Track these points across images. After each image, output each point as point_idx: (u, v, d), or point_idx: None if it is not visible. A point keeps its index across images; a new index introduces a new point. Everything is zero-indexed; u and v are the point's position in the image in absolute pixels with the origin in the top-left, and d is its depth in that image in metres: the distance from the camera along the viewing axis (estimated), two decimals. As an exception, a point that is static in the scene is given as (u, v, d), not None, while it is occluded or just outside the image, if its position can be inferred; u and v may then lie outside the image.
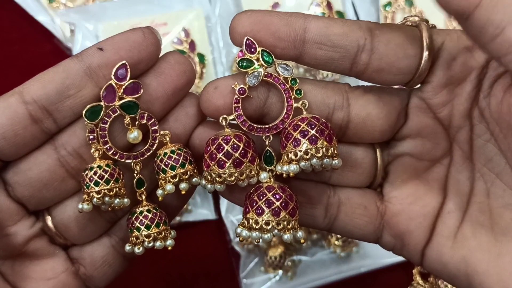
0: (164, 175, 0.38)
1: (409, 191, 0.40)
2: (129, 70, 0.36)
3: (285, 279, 0.70)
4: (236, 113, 0.38)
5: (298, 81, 0.39)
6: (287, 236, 0.36)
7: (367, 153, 0.40)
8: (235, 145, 0.37)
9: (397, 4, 0.80)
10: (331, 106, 0.39)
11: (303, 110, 0.38)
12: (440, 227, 0.39)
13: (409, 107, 0.39)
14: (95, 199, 0.37)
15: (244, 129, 0.38)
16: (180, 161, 0.38)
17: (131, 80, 0.37)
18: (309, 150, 0.36)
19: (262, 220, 0.36)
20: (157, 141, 0.38)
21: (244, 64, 0.38)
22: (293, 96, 0.38)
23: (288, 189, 0.37)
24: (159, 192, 0.38)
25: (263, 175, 0.37)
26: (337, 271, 0.69)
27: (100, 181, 0.37)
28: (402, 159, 0.40)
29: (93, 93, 0.37)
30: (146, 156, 0.39)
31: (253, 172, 0.37)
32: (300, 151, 0.36)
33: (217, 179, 0.37)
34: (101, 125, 0.37)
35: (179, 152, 0.38)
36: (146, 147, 0.39)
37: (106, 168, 0.37)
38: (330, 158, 0.36)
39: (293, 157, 0.36)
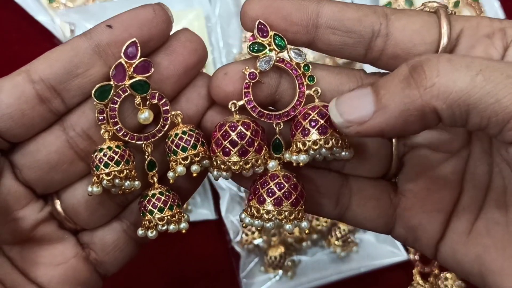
0: (175, 156, 0.37)
1: (424, 184, 0.39)
2: (139, 48, 0.35)
3: (285, 279, 0.70)
4: (246, 99, 0.37)
5: (311, 67, 0.38)
6: (288, 227, 0.36)
7: (382, 143, 0.39)
8: (242, 133, 0.36)
9: (397, 4, 0.80)
10: (345, 92, 0.37)
11: (315, 97, 0.37)
12: (454, 223, 0.38)
13: None
14: (105, 182, 0.36)
15: (254, 115, 0.37)
16: (192, 142, 0.37)
17: (142, 59, 0.35)
18: (318, 141, 0.35)
19: (263, 209, 0.36)
20: (168, 122, 0.38)
21: (255, 48, 0.37)
22: (305, 83, 0.37)
23: (294, 178, 0.37)
24: (170, 174, 0.37)
25: (271, 164, 0.37)
26: (337, 271, 0.69)
27: (110, 162, 0.36)
28: (419, 150, 0.39)
29: (102, 72, 0.36)
30: (157, 137, 0.38)
31: (259, 162, 0.36)
32: (308, 141, 0.35)
33: (222, 166, 0.36)
34: (111, 105, 0.36)
35: (191, 133, 0.37)
36: (157, 128, 0.38)
37: (116, 150, 0.36)
38: (340, 149, 0.36)
39: (301, 147, 0.36)
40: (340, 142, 0.35)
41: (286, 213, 0.36)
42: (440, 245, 0.38)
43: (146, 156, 0.38)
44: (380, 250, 0.70)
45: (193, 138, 0.37)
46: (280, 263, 0.69)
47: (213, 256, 0.71)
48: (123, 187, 0.37)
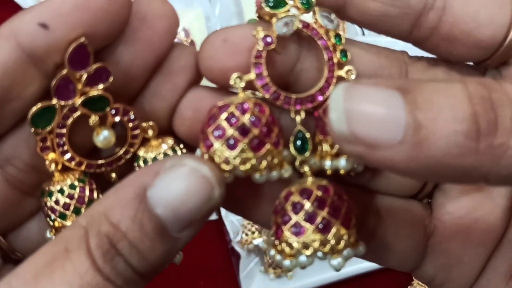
0: None
1: (469, 205, 0.30)
2: (90, 51, 0.25)
3: (285, 279, 0.69)
4: (256, 72, 0.26)
5: (343, 39, 0.28)
6: (337, 262, 0.26)
7: None
8: (256, 117, 0.25)
9: None
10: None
11: (350, 81, 0.27)
12: (497, 259, 0.30)
13: None
14: None
15: (267, 96, 0.27)
16: None
17: (95, 66, 0.26)
18: None
19: (299, 242, 0.26)
20: (138, 140, 0.29)
21: (272, 2, 0.27)
22: (336, 59, 0.28)
23: (333, 186, 0.27)
24: None
25: (286, 171, 0.27)
26: (336, 272, 0.69)
27: (67, 212, 0.28)
28: None
29: (43, 87, 0.27)
30: (123, 160, 0.29)
31: (276, 161, 0.26)
32: None
33: (224, 166, 0.25)
34: (57, 131, 0.27)
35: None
36: (124, 150, 0.29)
37: (71, 191, 0.28)
38: None
39: (329, 149, 0.27)
40: None
41: (332, 241, 0.26)
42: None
43: (111, 180, 0.30)
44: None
45: None
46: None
47: (213, 256, 0.71)
48: None
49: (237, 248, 0.70)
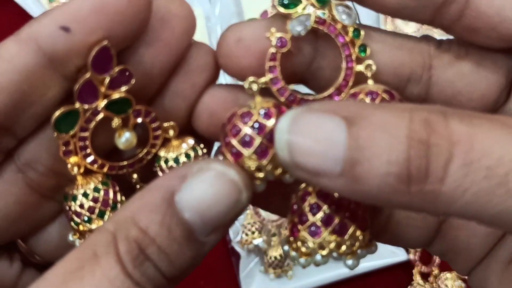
0: None
1: None
2: (113, 54, 0.25)
3: (285, 279, 0.69)
4: (271, 75, 0.27)
5: (362, 33, 0.27)
6: (351, 262, 0.27)
7: None
8: (260, 125, 0.25)
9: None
10: (404, 76, 0.28)
11: (368, 76, 0.27)
12: (500, 248, 0.30)
13: None
14: None
15: (282, 99, 0.27)
16: None
17: (118, 68, 0.26)
18: None
19: (316, 243, 0.26)
20: (159, 141, 0.29)
21: (287, 1, 0.26)
22: (355, 55, 0.27)
23: None
24: None
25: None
26: (337, 271, 0.69)
27: (92, 216, 0.27)
28: None
29: (64, 90, 0.27)
30: (145, 161, 0.29)
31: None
32: None
33: (258, 174, 0.25)
34: (80, 134, 0.27)
35: (187, 159, 0.29)
36: (146, 151, 0.29)
37: (95, 195, 0.28)
38: None
39: None
40: None
41: (348, 242, 0.26)
42: (473, 271, 0.32)
43: (133, 182, 0.30)
44: (380, 250, 0.70)
45: None
46: (280, 263, 0.69)
47: (213, 256, 0.71)
48: None
49: (237, 248, 0.70)
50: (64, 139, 0.27)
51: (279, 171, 0.25)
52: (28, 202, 0.29)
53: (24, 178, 0.28)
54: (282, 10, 0.26)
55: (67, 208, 0.28)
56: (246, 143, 0.25)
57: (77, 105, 0.26)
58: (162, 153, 0.29)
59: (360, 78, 0.27)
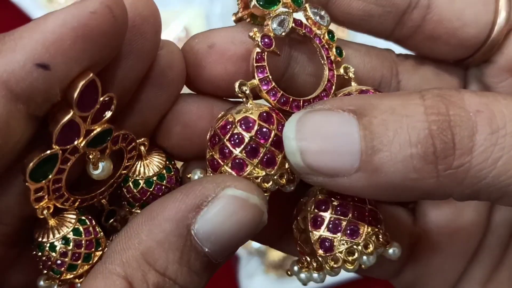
0: (131, 208, 0.27)
1: (451, 212, 0.29)
2: (99, 86, 0.22)
3: (285, 280, 0.69)
4: (260, 77, 0.24)
5: (335, 36, 0.27)
6: (367, 259, 0.25)
7: None
8: (282, 126, 0.24)
9: None
10: (376, 81, 0.28)
11: (352, 78, 0.26)
12: (474, 266, 0.29)
13: None
14: (79, 285, 0.25)
15: (273, 102, 0.25)
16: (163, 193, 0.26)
17: (103, 98, 0.23)
18: None
19: (332, 255, 0.25)
20: (132, 161, 0.26)
21: (261, 1, 0.25)
22: (332, 57, 0.26)
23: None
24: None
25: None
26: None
27: (76, 263, 0.24)
28: None
29: (35, 131, 0.23)
30: (116, 185, 0.26)
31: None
32: None
33: (264, 184, 0.24)
34: (56, 177, 0.24)
35: (160, 182, 0.26)
36: (117, 174, 0.26)
37: (77, 238, 0.24)
38: None
39: None
40: None
41: (363, 241, 0.25)
42: None
43: (99, 206, 0.27)
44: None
45: (163, 190, 0.26)
46: (280, 263, 0.68)
47: (213, 256, 0.71)
48: None
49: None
50: (37, 185, 0.23)
51: (284, 180, 0.24)
52: None
53: None
54: (260, 8, 0.25)
55: (43, 258, 0.24)
56: (251, 152, 0.23)
57: (55, 148, 0.23)
58: (130, 173, 0.26)
59: (340, 81, 0.26)
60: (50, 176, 0.23)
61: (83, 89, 0.21)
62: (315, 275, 0.25)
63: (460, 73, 0.29)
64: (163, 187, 0.26)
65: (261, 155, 0.23)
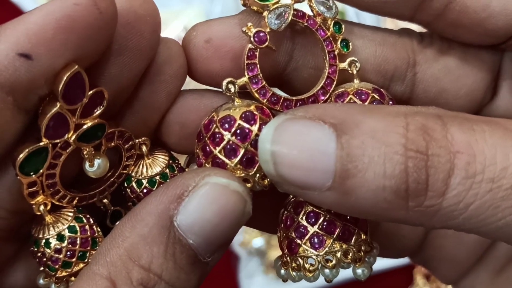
0: None
1: None
2: (85, 79, 0.22)
3: (285, 280, 0.69)
4: (249, 75, 0.24)
5: (343, 27, 0.25)
6: (362, 271, 0.25)
7: None
8: (243, 130, 0.23)
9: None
10: (388, 73, 0.26)
11: (354, 74, 0.25)
12: (489, 257, 0.29)
13: (501, 79, 0.27)
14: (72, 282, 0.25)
15: (263, 101, 0.24)
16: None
17: (91, 92, 0.22)
18: None
19: (318, 255, 0.24)
20: (132, 160, 0.26)
21: None
22: (337, 51, 0.25)
23: None
24: None
25: None
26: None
27: (71, 261, 0.24)
28: None
29: (25, 123, 0.23)
30: (116, 185, 0.26)
31: None
32: None
33: (247, 185, 0.23)
34: (48, 172, 0.23)
35: (163, 180, 0.25)
36: (117, 173, 0.26)
37: (72, 235, 0.24)
38: None
39: None
40: None
41: (355, 248, 0.24)
42: (461, 282, 0.30)
43: (102, 207, 0.27)
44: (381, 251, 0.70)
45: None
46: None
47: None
48: None
49: (238, 248, 0.70)
50: (29, 180, 0.23)
51: (267, 181, 0.23)
52: None
53: None
54: (257, 0, 0.24)
55: (39, 254, 0.24)
56: (230, 152, 0.22)
57: (45, 141, 0.22)
58: (133, 173, 0.26)
59: (344, 76, 0.25)
60: (41, 171, 0.23)
61: (68, 81, 0.21)
62: (294, 273, 0.24)
63: (494, 58, 0.27)
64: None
65: (240, 155, 0.22)
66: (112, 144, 0.24)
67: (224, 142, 0.22)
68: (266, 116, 0.23)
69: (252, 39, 0.23)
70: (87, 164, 0.24)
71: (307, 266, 0.24)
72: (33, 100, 0.22)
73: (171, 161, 0.26)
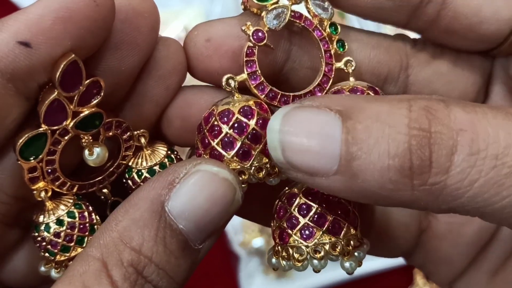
0: None
1: None
2: (82, 68, 0.23)
3: (285, 280, 0.69)
4: (248, 71, 0.25)
5: (339, 28, 0.26)
6: (349, 264, 0.25)
7: None
8: (262, 119, 0.24)
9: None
10: (382, 75, 0.27)
11: (349, 72, 0.26)
12: (484, 258, 0.30)
13: (492, 84, 0.28)
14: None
15: (262, 97, 0.25)
16: None
17: (88, 81, 0.23)
18: None
19: (308, 246, 0.25)
20: (131, 151, 0.26)
21: None
22: (333, 50, 0.26)
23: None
24: None
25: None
26: (338, 272, 0.69)
27: (70, 244, 0.25)
28: None
29: (25, 110, 0.24)
30: (116, 175, 0.27)
31: (268, 168, 0.25)
32: None
33: (242, 176, 0.24)
34: (47, 158, 0.24)
35: (162, 170, 0.26)
36: (116, 163, 0.26)
37: (71, 220, 0.25)
38: None
39: None
40: None
41: (343, 242, 0.25)
42: (456, 283, 0.30)
43: (102, 197, 0.27)
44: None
45: None
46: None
47: (213, 256, 0.71)
48: None
49: (238, 248, 0.70)
50: (30, 165, 0.24)
51: (262, 173, 0.24)
52: None
53: None
54: (256, 1, 0.25)
55: (39, 238, 0.25)
56: (227, 144, 0.24)
57: (44, 127, 0.23)
58: (133, 164, 0.27)
59: (339, 76, 0.26)
60: (41, 156, 0.24)
61: (65, 68, 0.22)
62: (284, 262, 0.25)
63: (485, 64, 0.28)
64: None
65: (237, 148, 0.24)
66: (110, 133, 0.25)
67: (222, 135, 0.24)
68: (264, 111, 0.24)
69: (250, 37, 0.24)
70: (86, 152, 0.25)
71: (296, 256, 0.25)
72: (32, 87, 0.23)
73: (169, 152, 0.27)
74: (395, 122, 0.20)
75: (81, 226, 0.25)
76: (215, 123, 0.24)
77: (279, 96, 0.25)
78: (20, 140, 0.23)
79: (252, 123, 0.24)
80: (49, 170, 0.25)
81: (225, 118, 0.24)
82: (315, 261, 0.25)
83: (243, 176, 0.24)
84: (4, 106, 0.22)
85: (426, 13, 0.26)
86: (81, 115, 0.24)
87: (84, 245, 0.25)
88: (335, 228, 0.25)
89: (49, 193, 0.25)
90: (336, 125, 0.21)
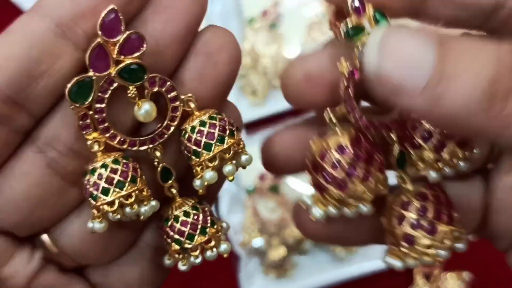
0: (198, 159, 0.27)
1: None
2: (121, 17, 0.25)
3: (285, 280, 0.69)
4: (348, 109, 0.27)
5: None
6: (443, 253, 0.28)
7: None
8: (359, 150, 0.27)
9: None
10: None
11: None
12: None
13: None
14: (110, 214, 0.26)
15: (363, 127, 0.28)
16: (217, 134, 0.26)
17: (128, 32, 0.25)
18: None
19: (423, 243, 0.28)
20: (179, 113, 0.27)
21: (353, 32, 0.27)
22: None
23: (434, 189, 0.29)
24: (197, 183, 0.27)
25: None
26: (338, 272, 0.69)
27: (110, 187, 0.26)
28: None
29: (75, 59, 0.25)
30: (166, 136, 0.27)
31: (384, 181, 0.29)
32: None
33: (365, 195, 0.28)
34: (97, 105, 0.26)
35: (212, 121, 0.27)
36: (165, 124, 0.27)
37: (114, 166, 0.26)
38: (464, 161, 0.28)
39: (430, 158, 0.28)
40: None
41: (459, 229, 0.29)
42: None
43: (155, 163, 0.28)
44: (381, 251, 0.70)
45: (217, 128, 0.27)
46: (280, 263, 0.68)
47: (213, 256, 0.71)
48: (138, 215, 0.27)
49: (238, 248, 0.70)
50: (81, 112, 0.26)
51: (381, 187, 0.28)
52: (49, 185, 0.27)
53: (45, 159, 0.26)
54: (348, 42, 0.27)
55: (85, 182, 0.26)
56: (349, 171, 0.27)
57: (91, 73, 0.25)
58: (185, 125, 0.27)
59: None
60: (90, 102, 0.26)
61: (106, 15, 0.24)
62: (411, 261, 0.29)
63: None
64: (216, 129, 0.27)
65: (357, 173, 0.27)
66: (155, 89, 0.26)
67: (342, 165, 0.27)
68: (364, 136, 0.28)
69: (346, 74, 0.27)
70: (135, 107, 0.27)
71: (428, 251, 0.28)
72: (79, 33, 0.25)
73: (219, 115, 0.28)
74: (485, 58, 0.22)
75: (123, 173, 0.26)
76: (332, 157, 0.27)
77: (372, 123, 0.28)
78: (70, 84, 0.25)
79: (363, 149, 0.27)
80: (99, 119, 0.26)
81: (341, 151, 0.27)
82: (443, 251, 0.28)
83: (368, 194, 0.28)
84: (54, 50, 0.25)
85: (497, 17, 0.27)
86: (124, 63, 0.25)
87: (125, 189, 0.26)
88: (450, 219, 0.28)
89: (102, 147, 0.26)
90: (432, 45, 0.22)
